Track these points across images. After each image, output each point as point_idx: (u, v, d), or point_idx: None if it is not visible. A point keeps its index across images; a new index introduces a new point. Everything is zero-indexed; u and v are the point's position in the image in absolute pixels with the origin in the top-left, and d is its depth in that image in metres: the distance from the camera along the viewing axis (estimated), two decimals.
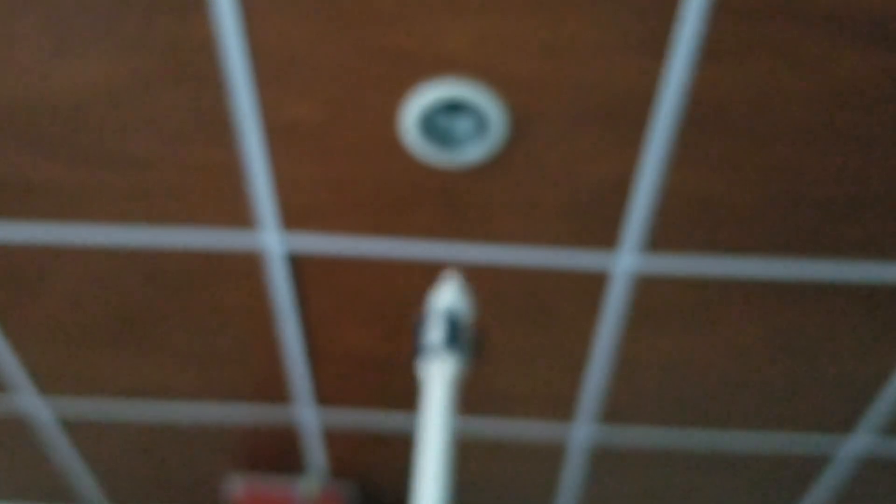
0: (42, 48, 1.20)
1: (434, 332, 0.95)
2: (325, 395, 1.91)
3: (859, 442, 1.97)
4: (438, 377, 0.91)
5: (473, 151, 1.30)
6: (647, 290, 1.57)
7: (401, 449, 2.11)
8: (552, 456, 2.08)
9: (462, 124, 1.27)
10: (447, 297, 0.92)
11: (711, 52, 1.16)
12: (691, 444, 2.01)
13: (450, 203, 1.41)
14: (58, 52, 1.20)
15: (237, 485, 2.22)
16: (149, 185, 1.41)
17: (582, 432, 1.98)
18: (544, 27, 1.14)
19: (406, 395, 1.90)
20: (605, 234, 1.45)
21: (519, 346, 1.72)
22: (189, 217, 1.46)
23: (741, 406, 1.87)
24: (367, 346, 1.75)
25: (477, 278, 1.55)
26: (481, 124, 1.27)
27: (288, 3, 1.13)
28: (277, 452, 2.15)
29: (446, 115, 1.28)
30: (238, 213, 1.45)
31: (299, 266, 1.56)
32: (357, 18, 1.15)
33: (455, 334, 0.95)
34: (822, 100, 1.21)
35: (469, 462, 2.12)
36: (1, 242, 1.53)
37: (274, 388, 1.91)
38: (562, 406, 1.89)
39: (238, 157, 1.35)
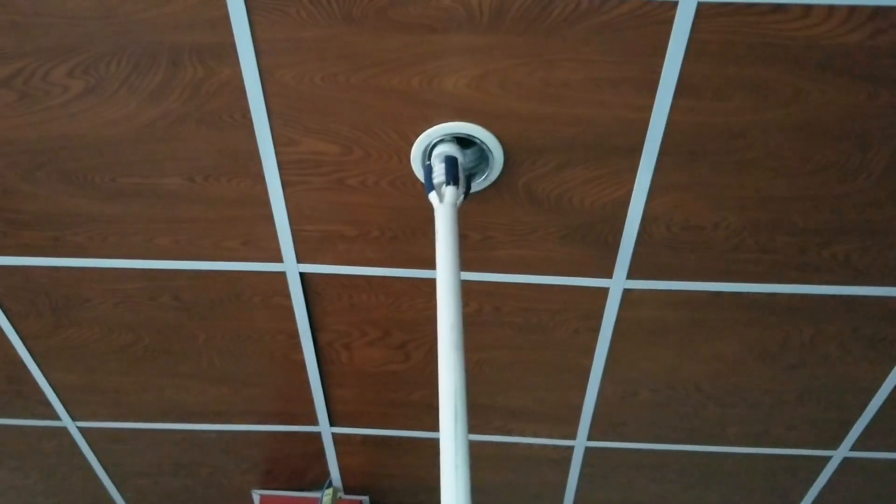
0: (75, 90, 1.30)
1: (438, 173, 1.29)
2: (341, 414, 2.00)
3: (845, 453, 2.04)
4: (445, 202, 1.26)
5: (475, 182, 1.39)
6: (639, 311, 1.65)
7: (412, 462, 2.19)
8: (556, 468, 2.16)
9: (465, 158, 1.35)
10: (446, 147, 1.32)
11: (690, 88, 1.25)
12: (689, 456, 2.09)
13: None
14: (90, 93, 1.30)
15: (260, 500, 2.29)
16: (177, 218, 1.50)
17: (583, 446, 2.06)
18: (540, 68, 1.24)
19: (415, 413, 1.99)
20: (599, 261, 1.54)
21: (518, 365, 1.81)
22: (214, 245, 1.56)
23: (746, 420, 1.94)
24: (379, 368, 1.84)
25: (479, 298, 1.65)
26: (482, 158, 1.36)
27: (301, 48, 1.23)
28: (297, 468, 2.23)
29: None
30: (261, 245, 1.55)
31: (314, 293, 1.65)
32: (366, 62, 1.24)
33: (454, 173, 1.28)
34: (794, 131, 1.30)
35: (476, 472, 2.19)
36: (37, 273, 1.63)
37: (294, 409, 2.00)
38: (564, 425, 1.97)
39: (259, 191, 1.45)
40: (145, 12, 1.19)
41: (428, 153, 1.35)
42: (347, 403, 1.96)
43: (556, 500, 2.29)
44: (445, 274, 1.13)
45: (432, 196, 1.28)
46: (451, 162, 1.29)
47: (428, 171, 1.31)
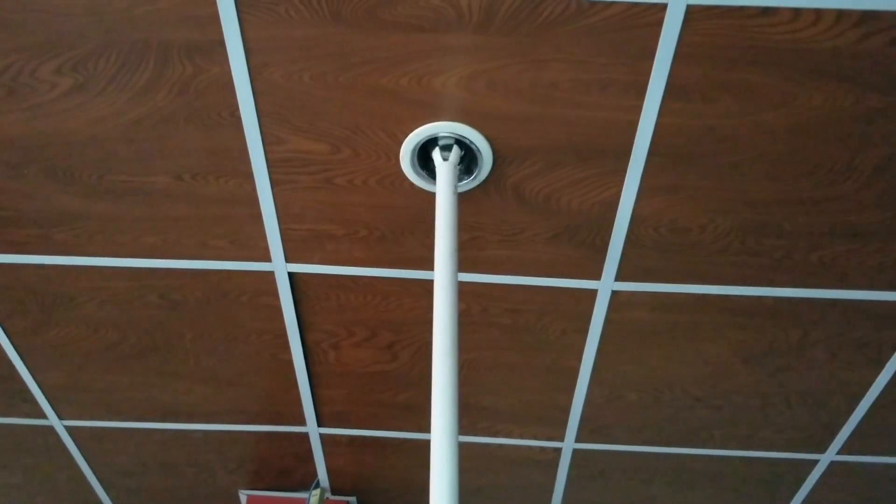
0: (63, 87, 1.30)
1: (442, 142, 1.36)
2: (328, 415, 2.00)
3: (832, 457, 2.05)
4: (450, 161, 1.34)
5: (464, 182, 1.39)
6: (627, 313, 1.66)
7: (400, 463, 2.19)
8: (543, 470, 2.16)
9: (453, 157, 1.36)
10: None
11: (679, 90, 1.26)
12: (674, 459, 2.09)
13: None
14: (77, 90, 1.30)
15: (247, 500, 2.28)
16: (164, 217, 1.50)
17: (571, 448, 2.06)
18: (529, 69, 1.24)
19: (403, 414, 1.99)
20: (588, 263, 1.55)
21: (506, 367, 1.81)
22: (202, 244, 1.55)
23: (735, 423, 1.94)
24: (366, 368, 1.84)
25: (467, 298, 1.64)
26: (470, 157, 1.37)
27: (290, 47, 1.23)
28: (284, 468, 2.22)
29: (438, 148, 1.37)
30: (249, 244, 1.55)
31: (301, 293, 1.65)
32: (354, 61, 1.24)
33: (458, 141, 1.36)
34: (782, 134, 1.31)
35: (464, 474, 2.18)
36: (24, 271, 1.62)
37: (282, 409, 2.00)
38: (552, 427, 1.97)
39: (247, 190, 1.44)
40: (134, 9, 1.18)
41: (416, 153, 1.36)
42: (335, 404, 1.96)
43: (543, 503, 2.29)
44: (443, 225, 1.24)
45: (435, 153, 1.35)
46: (453, 135, 1.36)
47: (434, 143, 1.39)
